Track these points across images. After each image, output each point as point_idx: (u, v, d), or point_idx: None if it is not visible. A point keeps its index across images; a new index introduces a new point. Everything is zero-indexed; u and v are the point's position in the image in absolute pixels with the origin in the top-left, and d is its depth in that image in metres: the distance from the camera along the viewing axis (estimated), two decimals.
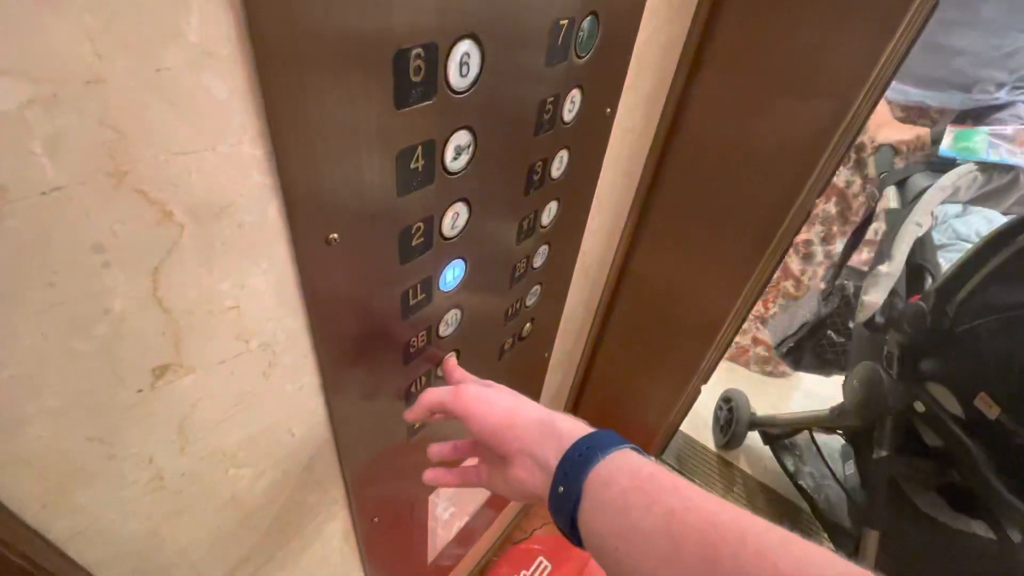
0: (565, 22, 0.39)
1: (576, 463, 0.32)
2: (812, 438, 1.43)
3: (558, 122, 0.46)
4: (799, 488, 1.41)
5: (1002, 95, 1.21)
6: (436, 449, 0.46)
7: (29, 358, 0.23)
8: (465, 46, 0.33)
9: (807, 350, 1.34)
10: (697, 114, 0.71)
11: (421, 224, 0.38)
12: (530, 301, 0.63)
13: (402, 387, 0.49)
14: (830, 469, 1.38)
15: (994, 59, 1.16)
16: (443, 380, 0.52)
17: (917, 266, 1.10)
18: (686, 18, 0.63)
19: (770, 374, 1.88)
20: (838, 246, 1.55)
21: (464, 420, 0.38)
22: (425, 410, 0.41)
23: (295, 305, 0.34)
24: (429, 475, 0.45)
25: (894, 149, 1.24)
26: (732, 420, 1.56)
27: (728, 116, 0.69)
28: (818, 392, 1.80)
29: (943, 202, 1.03)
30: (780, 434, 1.49)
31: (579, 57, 0.43)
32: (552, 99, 0.43)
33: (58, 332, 0.23)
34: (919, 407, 1.02)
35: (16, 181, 0.19)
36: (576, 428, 0.35)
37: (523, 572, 1.10)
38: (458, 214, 0.42)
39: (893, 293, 1.05)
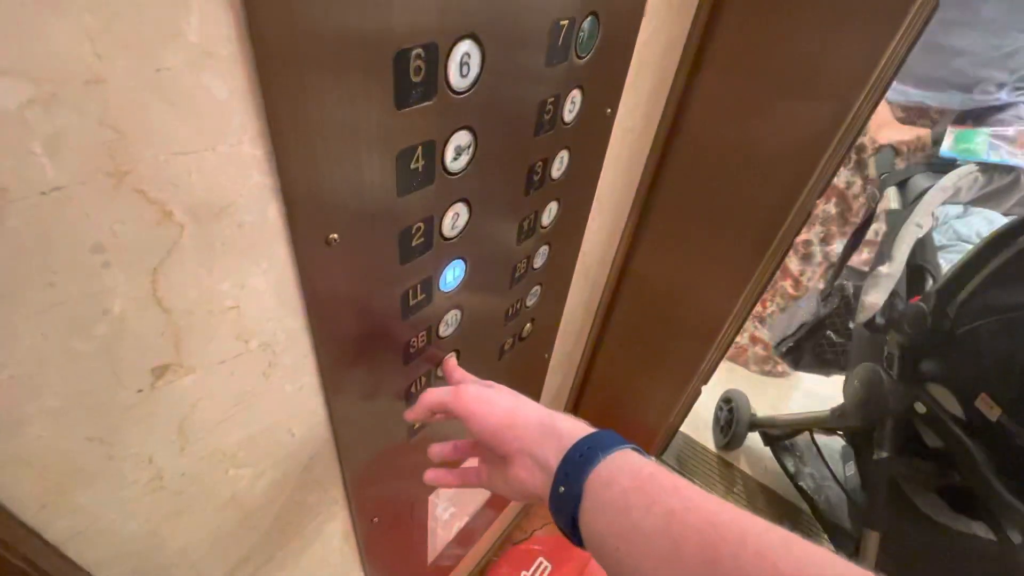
0: (565, 22, 0.39)
1: (577, 463, 0.32)
2: (812, 439, 1.43)
3: (558, 122, 0.46)
4: (799, 489, 1.40)
5: (1003, 95, 1.21)
6: (437, 449, 0.46)
7: (29, 358, 0.23)
8: (465, 46, 0.33)
9: (806, 350, 1.35)
10: (697, 115, 0.71)
11: (421, 224, 0.38)
12: (530, 301, 0.63)
13: (402, 387, 0.49)
14: (830, 470, 1.38)
15: (994, 59, 1.16)
16: (443, 380, 0.52)
17: (918, 267, 1.10)
18: (686, 19, 0.63)
19: (769, 374, 1.88)
20: (837, 247, 1.55)
21: (464, 420, 0.38)
22: (425, 410, 0.41)
23: (295, 305, 0.34)
24: (430, 475, 0.45)
25: (895, 150, 1.24)
26: (732, 421, 1.56)
27: (728, 117, 0.69)
28: (818, 392, 1.80)
29: (944, 203, 1.03)
30: (780, 435, 1.49)
31: (579, 57, 0.43)
32: (552, 99, 0.43)
33: (58, 332, 0.23)
34: (920, 408, 1.02)
35: (16, 181, 0.19)
36: (577, 428, 0.35)
37: (523, 572, 1.10)
38: (458, 214, 0.42)
39: (894, 294, 1.05)
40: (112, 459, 0.29)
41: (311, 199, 0.30)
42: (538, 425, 0.36)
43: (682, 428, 1.22)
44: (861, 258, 1.46)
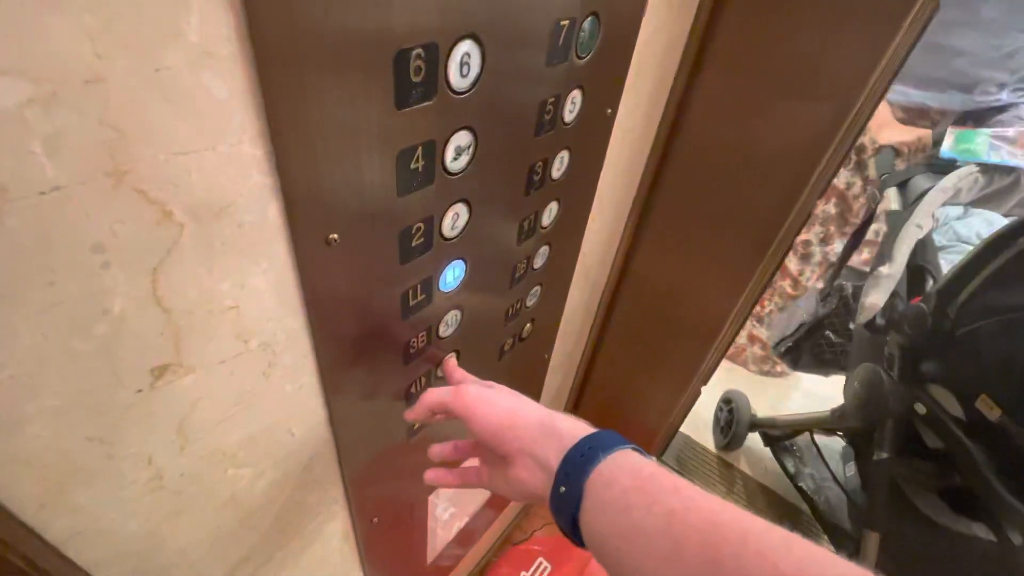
0: (566, 22, 0.39)
1: (578, 463, 0.32)
2: (813, 439, 1.43)
3: (559, 122, 0.46)
4: (799, 490, 1.40)
5: (1003, 96, 1.21)
6: (437, 450, 0.46)
7: (29, 358, 0.23)
8: (465, 46, 0.33)
9: (805, 350, 1.35)
10: (698, 115, 0.71)
11: (421, 224, 0.38)
12: (530, 302, 0.63)
13: (402, 387, 0.49)
14: (830, 471, 1.38)
15: (994, 60, 1.16)
16: (443, 380, 0.52)
17: (918, 268, 1.10)
18: (687, 19, 0.63)
19: (768, 374, 1.88)
20: (837, 247, 1.55)
21: (465, 420, 0.38)
22: (426, 410, 0.41)
23: (295, 305, 0.34)
24: (430, 475, 0.45)
25: (895, 151, 1.24)
26: (732, 421, 1.56)
27: (729, 117, 0.69)
28: (817, 392, 1.80)
29: (944, 204, 1.03)
30: (780, 435, 1.49)
31: (580, 58, 0.43)
32: (553, 99, 0.43)
33: (58, 332, 0.23)
34: (920, 409, 1.01)
35: (16, 180, 0.19)
36: (577, 428, 0.35)
37: (523, 573, 1.10)
38: (458, 214, 0.42)
39: (894, 295, 1.05)
40: (112, 459, 0.29)
41: (311, 199, 0.30)
42: (538, 425, 0.36)
43: (682, 428, 1.22)
44: (861, 258, 1.47)
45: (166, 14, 0.20)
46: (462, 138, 0.37)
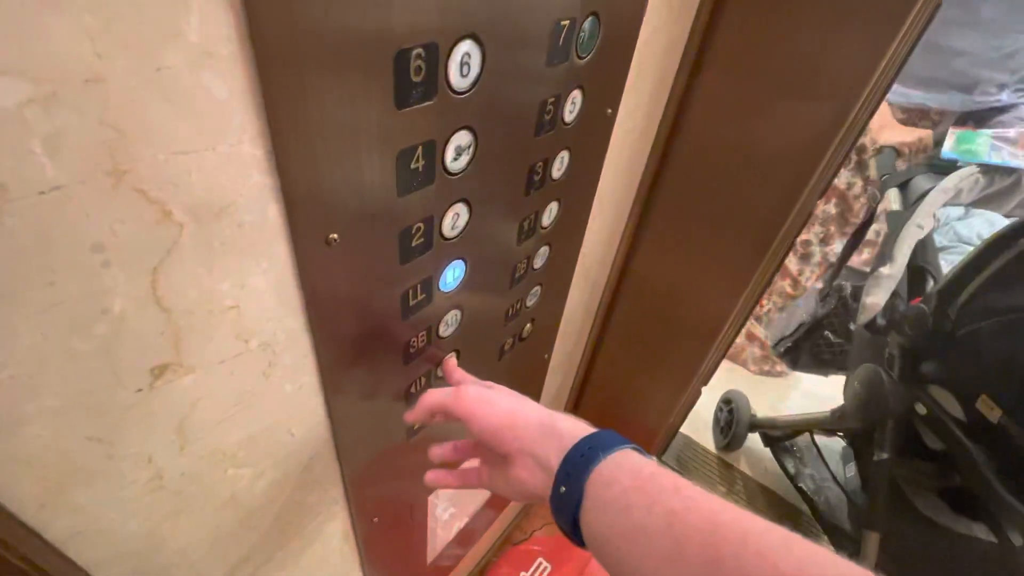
0: (566, 23, 0.39)
1: (578, 463, 0.32)
2: (813, 440, 1.43)
3: (559, 123, 0.46)
4: (799, 490, 1.40)
5: (1003, 97, 1.20)
6: (437, 451, 0.46)
7: (29, 358, 0.23)
8: (466, 46, 0.33)
9: (804, 350, 1.35)
10: (698, 115, 0.71)
11: (421, 224, 0.38)
12: (530, 302, 0.63)
13: (402, 387, 0.49)
14: (831, 471, 1.37)
15: (994, 60, 1.16)
16: (443, 380, 0.52)
17: (919, 268, 1.10)
18: (687, 19, 0.63)
19: (768, 373, 1.88)
20: (837, 247, 1.55)
21: (465, 421, 0.38)
22: (426, 411, 0.41)
23: (295, 305, 0.34)
24: (431, 476, 0.45)
25: (896, 151, 1.24)
26: (732, 422, 1.56)
27: (729, 117, 0.69)
28: (817, 392, 1.79)
29: (945, 204, 1.02)
30: (781, 436, 1.49)
31: (580, 58, 0.43)
32: (553, 100, 0.43)
33: (58, 332, 0.23)
34: (920, 409, 1.01)
35: (16, 180, 0.19)
36: (577, 428, 0.35)
37: (523, 573, 1.10)
38: (458, 214, 0.42)
39: (894, 295, 1.05)
40: (112, 459, 0.29)
41: (311, 199, 0.30)
42: (539, 425, 0.36)
43: (682, 429, 1.22)
44: (860, 258, 1.46)
45: (166, 14, 0.20)
46: (462, 138, 0.37)
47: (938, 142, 1.13)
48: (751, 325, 1.83)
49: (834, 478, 1.35)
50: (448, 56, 0.32)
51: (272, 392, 0.36)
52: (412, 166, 0.34)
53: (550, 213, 0.55)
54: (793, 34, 0.61)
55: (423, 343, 0.47)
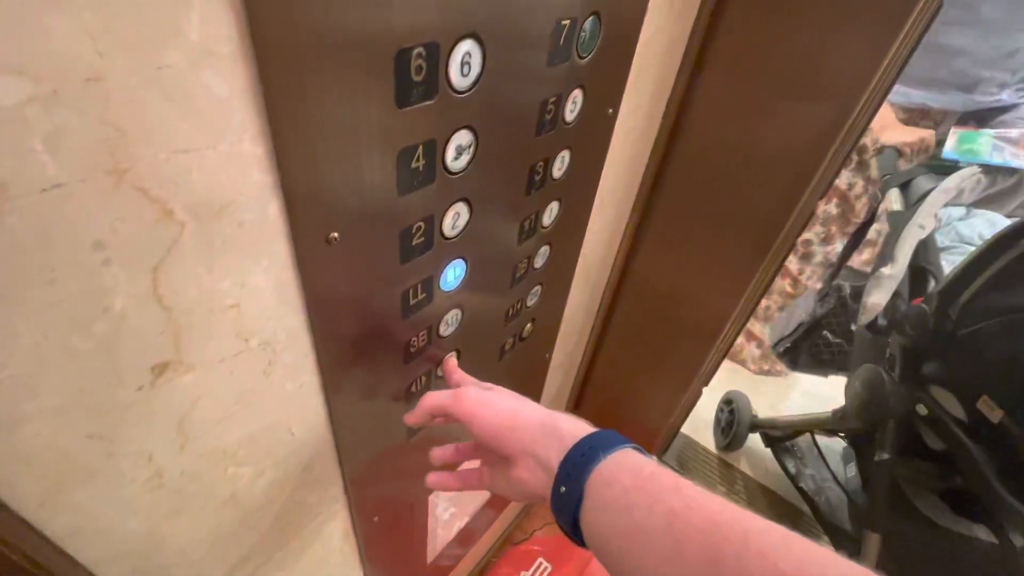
0: (567, 22, 0.39)
1: (578, 463, 0.32)
2: (814, 440, 1.43)
3: (560, 122, 0.46)
4: (800, 490, 1.40)
5: (1004, 96, 1.20)
6: (438, 453, 0.46)
7: (29, 356, 0.23)
8: (467, 46, 0.33)
9: (803, 350, 1.35)
10: (699, 115, 0.71)
11: (422, 224, 0.38)
12: (531, 301, 0.63)
13: (402, 387, 0.49)
14: (831, 471, 1.37)
15: (995, 59, 1.16)
16: (443, 380, 0.52)
17: (920, 268, 1.10)
18: (688, 19, 0.63)
19: (767, 372, 1.88)
20: (838, 247, 1.55)
21: (466, 423, 0.38)
22: (426, 414, 0.41)
23: (295, 304, 0.34)
24: (432, 479, 0.45)
25: (898, 151, 1.24)
26: (733, 422, 1.56)
27: (730, 118, 0.69)
28: (817, 392, 1.79)
29: (946, 205, 1.02)
30: (781, 436, 1.49)
31: (581, 57, 0.43)
32: (554, 99, 0.43)
33: (58, 330, 0.23)
34: (921, 410, 1.01)
35: (16, 178, 0.19)
36: (578, 428, 0.35)
37: (523, 573, 1.10)
38: (459, 214, 0.41)
39: (896, 295, 1.05)
40: (111, 457, 0.29)
41: (312, 198, 0.30)
42: (539, 426, 0.36)
43: (683, 429, 1.22)
44: (861, 258, 1.46)
45: (167, 13, 0.20)
46: (463, 137, 0.37)
47: (940, 142, 1.13)
48: (750, 324, 1.82)
49: (835, 478, 1.35)
50: (449, 55, 0.32)
51: (272, 391, 0.36)
52: (413, 165, 0.34)
53: (551, 213, 0.55)
54: (794, 35, 0.61)
55: (423, 342, 0.47)
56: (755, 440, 1.57)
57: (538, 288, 0.63)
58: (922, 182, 1.08)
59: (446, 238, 0.42)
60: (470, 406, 0.38)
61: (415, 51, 0.29)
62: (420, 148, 0.34)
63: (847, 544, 1.24)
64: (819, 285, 1.55)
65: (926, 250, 1.10)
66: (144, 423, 0.29)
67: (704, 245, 0.81)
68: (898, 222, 1.05)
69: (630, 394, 1.08)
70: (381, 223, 0.35)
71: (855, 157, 1.41)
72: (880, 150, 1.27)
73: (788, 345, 1.36)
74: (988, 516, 0.99)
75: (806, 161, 0.66)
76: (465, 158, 0.38)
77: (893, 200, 1.11)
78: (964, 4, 1.12)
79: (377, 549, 0.64)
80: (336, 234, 0.32)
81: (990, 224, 1.30)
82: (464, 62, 0.33)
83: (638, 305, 0.95)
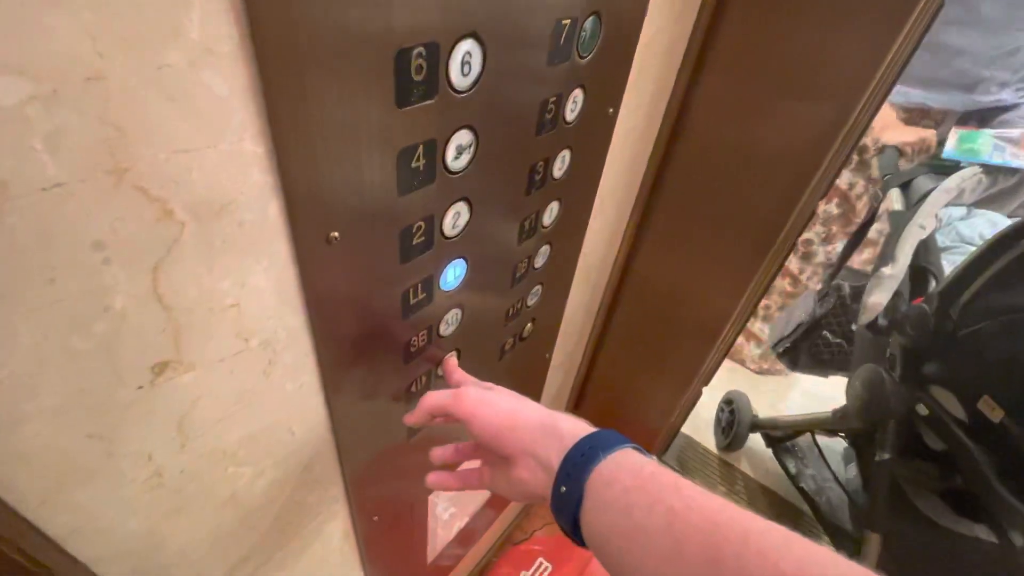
0: (567, 22, 0.39)
1: (578, 463, 0.32)
2: (814, 440, 1.43)
3: (560, 122, 0.46)
4: (800, 490, 1.40)
5: (1004, 95, 1.20)
6: (439, 453, 0.46)
7: (29, 356, 0.23)
8: (467, 45, 0.33)
9: (803, 350, 1.34)
10: (700, 115, 0.71)
11: (422, 223, 0.38)
12: (531, 301, 0.63)
13: (402, 386, 0.49)
14: (832, 471, 1.37)
15: (995, 58, 1.16)
16: (443, 379, 0.52)
17: (921, 268, 1.10)
18: (688, 20, 0.63)
19: (767, 372, 1.88)
20: (839, 247, 1.55)
21: (466, 423, 0.38)
22: (426, 414, 0.41)
23: (295, 304, 0.34)
24: (432, 479, 0.45)
25: (898, 151, 1.24)
26: (734, 422, 1.56)
27: (731, 118, 0.69)
28: (817, 392, 1.79)
29: (947, 204, 1.02)
30: (782, 436, 1.49)
31: (581, 57, 0.43)
32: (554, 99, 0.43)
33: (58, 330, 0.23)
34: (922, 410, 1.01)
35: (16, 177, 0.19)
36: (578, 428, 0.35)
37: (523, 573, 1.10)
38: (459, 213, 0.41)
39: (896, 295, 1.05)
40: (111, 456, 0.29)
41: (312, 197, 0.30)
42: (539, 426, 0.36)
43: (683, 429, 1.22)
44: (861, 258, 1.46)
45: (167, 12, 0.20)
46: (463, 137, 0.37)
47: (940, 142, 1.13)
48: (750, 322, 1.82)
49: (835, 478, 1.35)
50: (449, 55, 0.32)
51: (272, 391, 0.36)
52: (413, 165, 0.34)
53: (551, 212, 0.55)
54: (794, 34, 0.61)
55: (423, 342, 0.47)
56: (755, 440, 1.57)
57: (538, 288, 0.63)
58: (923, 182, 1.07)
59: (446, 238, 0.42)
60: (470, 406, 0.38)
61: (415, 51, 0.29)
62: (420, 148, 0.34)
63: (847, 544, 1.24)
64: (819, 285, 1.55)
65: (927, 250, 1.10)
66: (144, 423, 0.29)
67: (704, 245, 0.81)
68: (899, 222, 1.05)
69: (630, 394, 1.08)
70: (381, 223, 0.35)
71: (856, 157, 1.41)
72: (881, 150, 1.26)
73: (788, 345, 1.36)
74: (988, 516, 0.99)
75: (806, 161, 0.66)
76: (465, 158, 0.38)
77: (894, 200, 1.11)
78: (964, 3, 1.11)
79: (377, 549, 0.64)
80: (336, 234, 0.32)
81: (991, 224, 1.30)
82: (464, 62, 0.33)
83: (638, 305, 0.95)
